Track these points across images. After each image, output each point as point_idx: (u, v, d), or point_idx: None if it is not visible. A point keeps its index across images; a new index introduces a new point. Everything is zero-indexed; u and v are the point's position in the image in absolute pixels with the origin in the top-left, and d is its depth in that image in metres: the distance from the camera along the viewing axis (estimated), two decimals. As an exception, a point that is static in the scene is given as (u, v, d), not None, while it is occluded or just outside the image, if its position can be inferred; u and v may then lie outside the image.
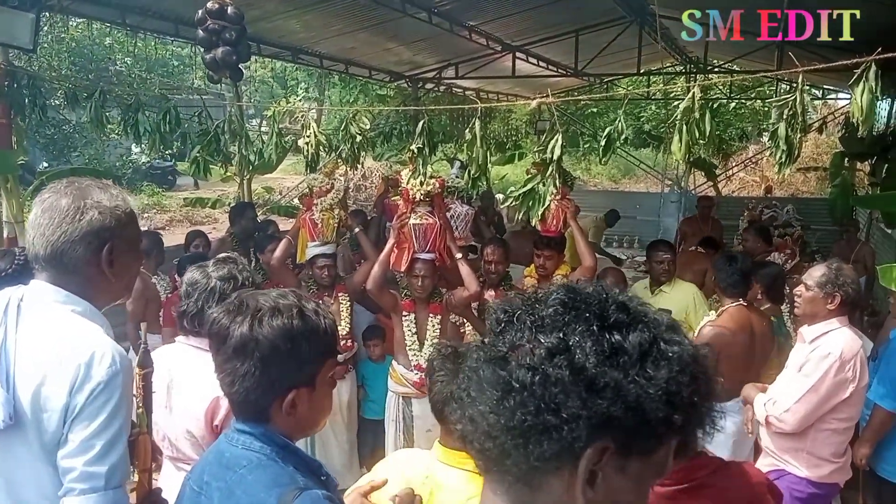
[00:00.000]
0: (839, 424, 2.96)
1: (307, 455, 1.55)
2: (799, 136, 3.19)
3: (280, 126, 6.36)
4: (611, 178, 21.26)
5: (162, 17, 6.28)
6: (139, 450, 1.65)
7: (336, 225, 4.40)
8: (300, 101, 15.04)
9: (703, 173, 11.81)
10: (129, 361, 1.57)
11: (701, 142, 3.26)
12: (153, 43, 7.25)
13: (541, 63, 10.43)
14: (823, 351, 2.92)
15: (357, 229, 4.74)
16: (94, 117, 5.25)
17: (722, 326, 3.61)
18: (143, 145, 5.67)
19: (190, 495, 1.48)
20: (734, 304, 3.69)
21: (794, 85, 3.23)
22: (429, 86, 10.87)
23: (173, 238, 10.16)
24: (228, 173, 5.64)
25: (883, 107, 11.30)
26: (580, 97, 8.71)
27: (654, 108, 17.19)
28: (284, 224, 7.73)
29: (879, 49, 3.03)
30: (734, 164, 15.76)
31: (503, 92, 12.85)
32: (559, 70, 10.71)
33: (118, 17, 6.10)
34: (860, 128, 3.10)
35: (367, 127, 4.51)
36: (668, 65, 12.13)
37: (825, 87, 12.31)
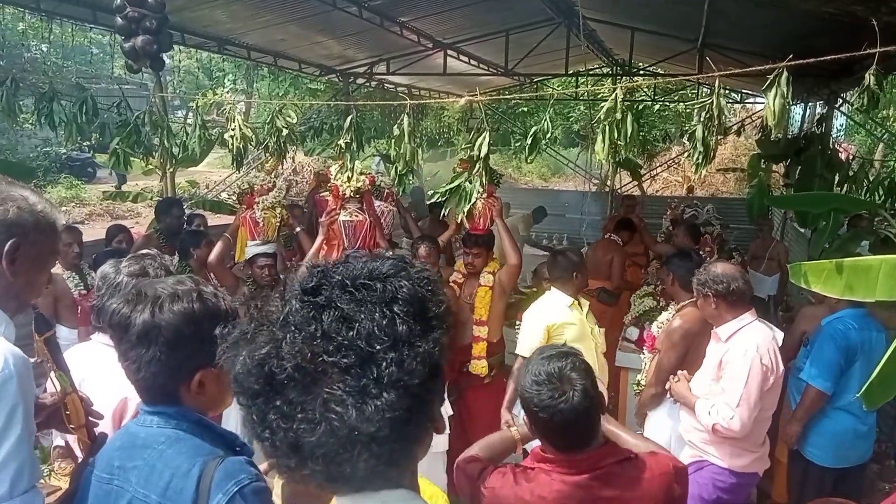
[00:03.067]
0: (760, 414, 3.06)
1: (221, 428, 1.57)
2: (715, 137, 3.31)
3: (207, 118, 6.19)
4: (541, 176, 21.60)
5: (79, 2, 6.02)
6: (71, 410, 1.65)
7: (278, 224, 4.34)
8: (227, 93, 14.68)
9: (628, 173, 12.12)
10: (27, 364, 1.49)
11: (622, 142, 3.34)
12: (70, 29, 6.93)
13: (472, 61, 10.51)
14: (741, 349, 3.03)
15: (298, 229, 4.66)
16: (5, 106, 5.00)
17: (689, 323, 3.56)
18: (59, 136, 5.41)
19: (98, 486, 1.46)
20: (692, 300, 3.74)
21: (713, 88, 3.36)
22: (360, 81, 10.79)
23: (93, 233, 9.75)
24: (150, 166, 5.44)
25: (797, 111, 11.90)
26: (508, 96, 8.81)
27: (582, 108, 17.56)
28: (212, 219, 7.54)
29: (791, 56, 3.18)
30: (658, 165, 16.25)
31: (435, 89, 12.89)
32: (490, 69, 10.81)
33: (32, 1, 5.82)
34: (774, 131, 3.24)
35: (295, 121, 4.44)
36: (595, 66, 12.42)
37: (743, 91, 12.82)
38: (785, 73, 3.11)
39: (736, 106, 16.49)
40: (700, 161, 3.31)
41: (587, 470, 1.82)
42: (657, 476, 1.85)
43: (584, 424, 1.83)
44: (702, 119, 3.30)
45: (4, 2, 6.39)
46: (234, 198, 5.25)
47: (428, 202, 6.39)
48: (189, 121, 5.32)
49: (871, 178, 5.72)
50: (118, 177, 15.87)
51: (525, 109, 18.26)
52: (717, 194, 17.13)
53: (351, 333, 0.85)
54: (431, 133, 17.38)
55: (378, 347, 0.85)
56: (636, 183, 11.88)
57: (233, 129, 4.44)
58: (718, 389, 3.07)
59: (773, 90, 3.11)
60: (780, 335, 3.26)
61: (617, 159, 9.22)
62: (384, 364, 0.85)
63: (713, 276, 3.14)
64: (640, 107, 17.28)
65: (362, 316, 0.86)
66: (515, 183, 20.08)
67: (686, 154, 10.68)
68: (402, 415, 0.86)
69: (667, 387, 3.38)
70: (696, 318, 3.50)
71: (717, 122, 3.26)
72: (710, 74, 3.38)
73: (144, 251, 2.45)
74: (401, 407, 0.86)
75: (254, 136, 4.66)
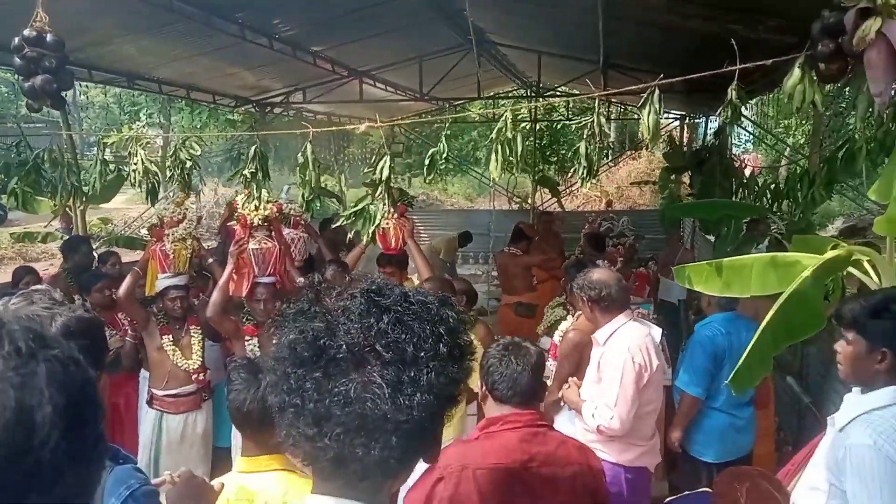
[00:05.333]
0: (641, 409, 3.23)
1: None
2: (599, 152, 3.53)
3: (122, 154, 6.10)
4: (466, 197, 21.92)
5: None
6: None
7: (189, 256, 4.34)
8: (143, 127, 14.42)
9: (547, 190, 12.49)
10: None
11: (515, 160, 3.52)
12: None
13: (388, 87, 10.68)
14: (614, 350, 3.22)
15: (210, 260, 4.68)
16: None
17: (585, 332, 3.71)
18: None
19: None
20: None
21: (627, 105, 3.58)
22: (277, 110, 10.80)
23: (4, 276, 9.39)
24: (56, 205, 5.34)
25: (700, 125, 12.51)
26: (406, 120, 9.01)
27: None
28: (127, 256, 7.40)
29: (661, 75, 3.44)
30: (577, 181, 16.74)
31: (355, 115, 12.99)
32: (406, 94, 11.01)
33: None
34: (650, 145, 3.47)
35: (199, 152, 4.46)
36: (511, 89, 12.79)
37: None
38: (657, 91, 3.36)
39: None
40: (584, 175, 3.51)
41: (531, 424, 2.10)
42: (579, 446, 2.18)
43: (537, 378, 2.17)
44: (584, 136, 3.51)
45: None
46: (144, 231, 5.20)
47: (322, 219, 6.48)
48: (108, 157, 5.23)
49: (760, 185, 6.11)
50: None
51: (449, 133, 18.53)
52: (635, 207, 17.76)
53: (403, 336, 0.97)
54: (355, 160, 17.43)
55: (422, 355, 0.98)
56: (556, 200, 12.26)
57: (135, 164, 4.43)
58: (600, 391, 3.25)
59: (647, 107, 3.35)
60: (657, 332, 3.46)
61: (522, 175, 9.50)
62: (425, 369, 0.97)
63: (588, 282, 3.34)
64: (559, 126, 17.84)
65: (416, 326, 0.99)
66: (441, 204, 20.32)
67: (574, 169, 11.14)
68: (425, 418, 0.97)
69: (559, 394, 3.55)
70: (589, 326, 3.70)
71: (599, 139, 3.47)
72: (592, 94, 3.60)
73: (35, 287, 2.45)
74: (427, 410, 0.97)
75: (159, 171, 4.65)
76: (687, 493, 3.01)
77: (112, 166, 5.16)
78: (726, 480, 2.33)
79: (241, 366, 2.16)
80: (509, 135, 3.50)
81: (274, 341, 1.06)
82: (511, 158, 3.48)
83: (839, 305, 2.24)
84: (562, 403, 3.61)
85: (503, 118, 3.56)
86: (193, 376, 4.30)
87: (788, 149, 14.55)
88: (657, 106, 3.36)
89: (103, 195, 5.32)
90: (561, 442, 2.16)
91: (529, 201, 13.44)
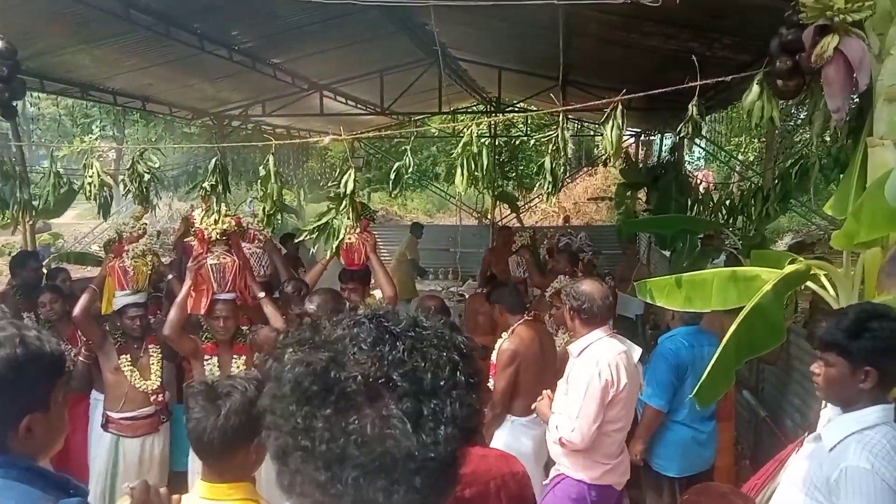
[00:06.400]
0: (607, 427, 3.23)
1: (53, 473, 1.55)
2: (562, 168, 3.55)
3: (72, 167, 5.93)
4: (426, 211, 21.93)
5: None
6: None
7: (149, 273, 4.21)
8: (96, 139, 14.08)
9: (507, 206, 12.56)
10: None
11: (480, 174, 3.52)
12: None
13: (349, 101, 10.64)
14: (584, 363, 3.24)
15: (170, 276, 4.54)
16: None
17: (517, 343, 3.89)
18: None
19: None
20: (520, 322, 4.03)
21: (583, 122, 3.62)
22: (236, 123, 10.67)
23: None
24: (6, 219, 5.15)
25: (657, 142, 12.78)
26: (369, 134, 9.01)
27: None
28: (77, 272, 7.17)
29: (624, 91, 3.49)
30: (535, 197, 16.91)
31: (315, 129, 12.91)
32: (367, 108, 10.99)
33: None
34: (612, 159, 3.51)
35: (157, 165, 4.35)
36: (471, 104, 12.88)
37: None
38: (619, 107, 3.40)
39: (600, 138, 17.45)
40: (549, 190, 3.53)
41: None
42: (499, 455, 2.12)
43: None
44: (550, 151, 3.54)
45: None
46: (101, 248, 5.05)
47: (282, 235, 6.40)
48: (60, 170, 5.06)
49: (715, 201, 6.24)
50: None
51: (408, 147, 18.52)
52: (591, 222, 18.00)
53: (421, 364, 0.87)
54: (314, 174, 17.30)
55: (442, 384, 0.87)
56: (515, 215, 12.33)
57: (90, 177, 4.30)
58: (566, 404, 3.25)
59: (610, 122, 3.40)
60: (636, 351, 3.50)
61: (485, 191, 9.59)
62: (448, 400, 0.87)
63: (574, 292, 3.36)
64: (517, 142, 18.02)
65: (432, 353, 0.89)
66: (401, 220, 20.29)
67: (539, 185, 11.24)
68: (450, 454, 0.87)
69: (533, 406, 3.55)
70: (523, 338, 3.75)
71: (563, 154, 3.50)
72: (555, 109, 3.63)
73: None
74: (452, 445, 0.87)
75: (115, 184, 4.53)
76: None
77: (64, 179, 4.99)
78: (695, 499, 2.31)
79: (200, 392, 2.04)
80: (475, 149, 3.50)
81: (268, 375, 0.95)
82: (476, 173, 3.48)
83: (813, 328, 2.24)
84: (509, 418, 3.64)
85: (468, 132, 3.57)
86: (152, 398, 4.15)
87: (740, 165, 14.96)
88: (620, 121, 3.40)
89: (55, 209, 5.15)
90: (481, 456, 2.10)
91: (489, 216, 13.50)
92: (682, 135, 3.34)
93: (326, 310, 3.36)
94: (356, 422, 0.84)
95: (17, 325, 1.50)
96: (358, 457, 0.84)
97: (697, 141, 9.88)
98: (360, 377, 0.86)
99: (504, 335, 4.21)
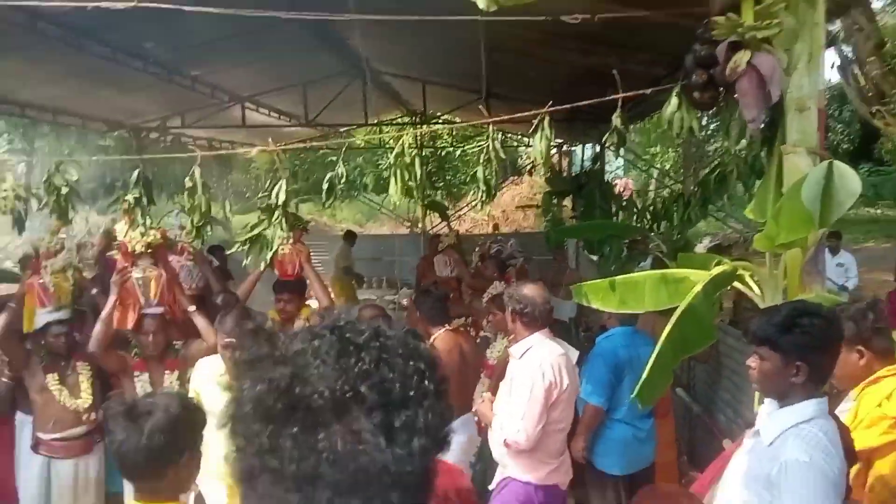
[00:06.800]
0: (550, 427, 3.30)
1: None
2: (495, 177, 3.62)
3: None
4: (356, 222, 21.81)
5: None
6: None
7: (71, 288, 4.04)
8: (3, 152, 13.35)
9: (437, 214, 12.63)
10: None
11: (414, 183, 3.54)
12: None
13: (272, 113, 10.48)
14: (527, 365, 3.30)
15: (94, 290, 4.34)
16: None
17: (435, 353, 3.92)
18: None
19: None
20: (441, 331, 4.09)
21: (507, 133, 3.69)
22: (154, 135, 10.33)
23: None
24: None
25: (577, 152, 13.14)
26: (298, 146, 8.91)
27: (389, 156, 18.07)
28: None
29: (550, 102, 3.58)
30: (464, 206, 17.07)
31: (238, 141, 12.63)
32: (291, 120, 10.85)
33: None
34: (542, 168, 3.60)
35: (76, 178, 4.17)
36: (396, 116, 12.90)
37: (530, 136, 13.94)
38: (547, 118, 3.49)
39: (529, 149, 17.85)
40: (484, 199, 3.59)
41: None
42: (446, 469, 2.01)
43: None
44: (482, 161, 3.60)
45: None
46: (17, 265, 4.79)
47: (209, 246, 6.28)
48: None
49: (639, 208, 6.47)
50: None
51: (333, 159, 18.42)
52: (520, 229, 18.28)
53: (389, 374, 0.84)
54: (239, 186, 16.95)
55: (412, 394, 0.84)
56: (446, 223, 12.42)
57: (4, 191, 4.09)
58: (510, 405, 3.30)
59: (539, 133, 3.48)
60: (574, 353, 3.59)
61: (416, 200, 9.66)
62: (419, 410, 0.84)
63: (516, 295, 3.43)
64: (443, 153, 18.17)
65: (399, 363, 0.85)
66: (330, 230, 20.08)
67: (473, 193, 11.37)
68: (426, 467, 0.84)
69: (474, 408, 3.59)
70: (442, 348, 3.86)
71: (494, 164, 3.56)
72: (484, 121, 3.70)
73: None
74: (427, 457, 0.84)
75: (31, 197, 4.32)
76: None
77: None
78: (645, 500, 2.36)
79: (119, 412, 1.96)
80: (407, 160, 3.52)
81: (225, 397, 0.91)
82: (410, 183, 3.50)
83: (748, 323, 2.31)
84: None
85: (400, 143, 3.59)
86: (83, 416, 3.96)
87: (657, 173, 15.55)
88: (548, 132, 3.49)
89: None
90: None
91: (420, 225, 13.54)
92: (607, 145, 3.45)
93: (243, 330, 3.30)
94: (325, 438, 0.81)
95: None
96: (331, 475, 0.80)
97: (620, 151, 10.22)
98: (326, 391, 0.82)
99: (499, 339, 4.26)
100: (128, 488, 3.39)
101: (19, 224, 4.52)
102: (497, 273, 6.41)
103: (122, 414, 1.94)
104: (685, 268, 3.33)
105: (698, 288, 2.75)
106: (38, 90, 7.19)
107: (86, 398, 3.97)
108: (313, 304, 4.78)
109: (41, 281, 3.94)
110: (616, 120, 3.41)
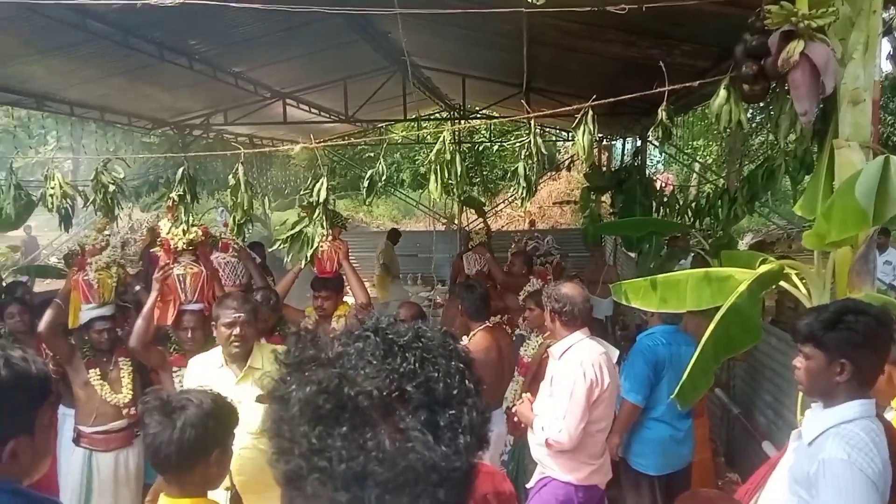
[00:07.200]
0: (591, 427, 3.26)
1: (38, 495, 1.53)
2: (536, 173, 3.57)
3: (26, 179, 5.77)
4: (392, 218, 21.90)
5: None
6: None
7: (114, 285, 4.12)
8: (51, 150, 13.71)
9: (473, 211, 12.60)
10: None
11: (454, 181, 3.52)
12: None
13: (312, 109, 10.57)
14: (567, 364, 3.26)
15: (137, 287, 4.41)
16: None
17: (475, 350, 3.89)
18: None
19: None
20: (481, 328, 4.06)
21: (531, 129, 3.63)
22: (197, 132, 10.50)
23: None
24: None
25: (618, 146, 12.96)
26: (343, 142, 8.95)
27: (427, 152, 18.08)
28: (38, 285, 6.98)
29: (594, 96, 3.52)
30: (501, 202, 17.01)
31: (277, 138, 12.79)
32: (331, 116, 10.92)
33: None
34: (585, 164, 3.54)
35: (122, 176, 4.25)
36: (434, 111, 12.89)
37: (569, 130, 13.78)
38: (590, 112, 3.43)
39: (568, 144, 17.68)
40: (524, 195, 3.55)
41: None
42: (487, 472, 2.04)
43: None
44: (523, 157, 3.55)
45: None
46: (62, 261, 4.90)
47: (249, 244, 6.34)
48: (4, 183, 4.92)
49: (681, 203, 6.34)
50: None
51: (371, 155, 18.55)
52: (557, 226, 18.16)
53: (433, 374, 0.86)
54: (278, 182, 17.13)
55: (454, 393, 0.86)
56: (482, 220, 12.38)
57: (52, 188, 4.19)
58: (552, 405, 3.26)
59: (582, 128, 3.42)
60: (614, 352, 3.54)
61: (453, 197, 9.66)
62: (464, 408, 0.86)
63: (555, 295, 3.39)
64: (481, 148, 18.12)
65: (441, 362, 0.88)
66: (367, 227, 20.21)
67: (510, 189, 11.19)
68: (471, 464, 0.86)
69: (513, 409, 3.56)
70: (481, 344, 3.78)
71: (535, 160, 3.52)
72: (525, 116, 3.65)
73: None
74: (472, 455, 0.86)
75: (78, 195, 4.42)
76: None
77: (23, 191, 4.86)
78: None
79: (155, 407, 2.02)
80: (447, 156, 3.50)
81: (266, 402, 0.92)
82: (450, 180, 3.47)
83: (795, 322, 2.27)
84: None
85: (441, 139, 3.56)
86: (124, 411, 4.04)
87: (699, 167, 15.26)
88: (591, 126, 3.43)
89: (15, 221, 5.00)
90: None
91: (456, 221, 13.51)
92: (650, 139, 3.37)
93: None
94: (373, 437, 0.82)
95: (2, 346, 1.46)
96: (380, 473, 0.81)
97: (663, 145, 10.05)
98: (374, 391, 0.84)
99: (465, 339, 4.23)
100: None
101: (66, 221, 4.64)
102: (525, 269, 6.36)
103: (156, 408, 2.00)
104: (728, 266, 3.25)
105: (743, 287, 2.68)
106: (86, 88, 7.36)
107: (126, 393, 4.04)
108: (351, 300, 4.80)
109: (86, 277, 4.02)
110: (662, 113, 3.33)
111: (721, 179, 11.73)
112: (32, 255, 13.69)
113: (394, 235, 11.17)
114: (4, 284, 5.52)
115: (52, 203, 4.26)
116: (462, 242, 9.50)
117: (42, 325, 3.94)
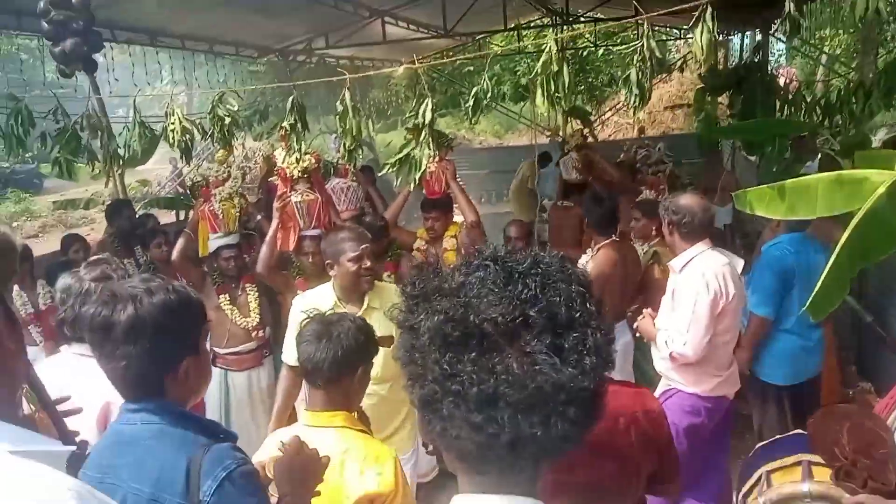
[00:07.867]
0: (717, 339, 3.18)
1: (204, 418, 1.65)
2: (649, 79, 3.38)
3: (148, 114, 6.07)
4: (495, 134, 21.60)
5: (1, 9, 5.81)
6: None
7: (238, 214, 4.33)
8: (165, 86, 14.32)
9: (578, 121, 12.20)
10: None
11: (561, 93, 3.40)
12: (-6, 38, 6.69)
13: (411, 26, 10.40)
14: (689, 277, 3.17)
15: (259, 216, 4.62)
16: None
17: (600, 265, 3.87)
18: (-1, 150, 5.25)
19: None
20: (606, 241, 3.98)
21: (654, 27, 3.42)
22: (300, 58, 10.62)
23: (48, 245, 9.56)
24: (97, 171, 5.35)
25: (735, 42, 12.05)
26: (445, 60, 8.76)
27: (528, 62, 17.50)
28: (165, 217, 7.45)
29: (712, -10, 3.25)
30: (607, 110, 16.37)
31: (377, 58, 12.73)
32: (429, 31, 10.72)
33: (-50, 13, 5.60)
34: (703, 65, 3.32)
35: (236, 108, 4.39)
36: (534, 18, 12.37)
37: (683, 27, 12.90)
38: (710, 9, 3.18)
39: (679, 42, 16.60)
40: (636, 104, 3.38)
41: None
42: (634, 392, 2.02)
43: None
44: (635, 62, 3.37)
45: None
46: (185, 192, 5.14)
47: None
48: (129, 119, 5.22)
49: (808, 101, 5.87)
50: None
51: (472, 69, 18.15)
52: (668, 132, 17.34)
53: (554, 299, 0.89)
54: (380, 103, 17.19)
55: (577, 316, 0.90)
56: (588, 130, 11.99)
57: (172, 123, 4.38)
58: (674, 319, 3.20)
59: (700, 26, 3.19)
60: (739, 262, 3.39)
61: (558, 110, 9.37)
62: (588, 330, 0.89)
63: (673, 206, 3.27)
64: (585, 53, 17.34)
65: (562, 287, 0.91)
66: (469, 144, 20.08)
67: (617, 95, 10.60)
68: (598, 384, 0.90)
69: (634, 325, 3.52)
70: (606, 260, 3.72)
71: (649, 65, 3.33)
72: (636, 17, 3.44)
73: (97, 256, 2.45)
74: (598, 374, 0.90)
75: (195, 128, 4.61)
76: (779, 436, 2.90)
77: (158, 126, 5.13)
78: (823, 420, 2.21)
79: (313, 318, 2.17)
80: (555, 67, 3.37)
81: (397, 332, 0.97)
82: (557, 94, 3.35)
83: None
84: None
85: (547, 50, 3.42)
86: (253, 333, 4.31)
87: (826, 60, 13.98)
88: (710, 24, 3.19)
89: (142, 157, 5.32)
90: (613, 392, 2.06)
91: (561, 134, 13.16)
92: (774, 32, 3.10)
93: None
94: (501, 362, 0.86)
95: (161, 276, 1.57)
96: (511, 395, 0.85)
97: (781, 38, 9.25)
98: (498, 318, 0.87)
99: (589, 252, 4.17)
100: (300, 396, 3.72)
101: (187, 154, 4.87)
102: (628, 178, 6.14)
103: (314, 321, 2.16)
104: (863, 167, 2.99)
105: (882, 189, 2.47)
106: (195, 20, 7.57)
107: (254, 317, 4.29)
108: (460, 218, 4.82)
109: (211, 208, 4.23)
110: (789, 4, 3.05)
111: (853, 72, 10.71)
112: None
113: (544, 158, 10.85)
114: (137, 217, 5.91)
115: (174, 138, 4.47)
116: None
117: (175, 254, 4.23)
